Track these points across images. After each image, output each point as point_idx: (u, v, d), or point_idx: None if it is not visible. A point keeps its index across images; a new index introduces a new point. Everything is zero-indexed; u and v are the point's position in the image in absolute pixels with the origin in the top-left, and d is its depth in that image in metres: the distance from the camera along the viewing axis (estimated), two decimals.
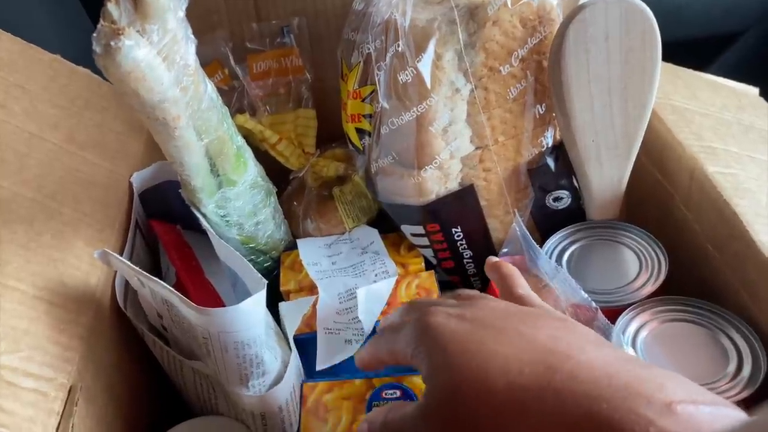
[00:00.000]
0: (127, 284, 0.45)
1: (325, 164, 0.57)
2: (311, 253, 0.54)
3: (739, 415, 0.24)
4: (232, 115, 0.48)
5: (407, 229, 0.53)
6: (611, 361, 0.26)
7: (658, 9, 0.45)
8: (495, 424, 0.26)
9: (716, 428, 0.23)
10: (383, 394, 0.42)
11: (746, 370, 0.39)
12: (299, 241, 0.55)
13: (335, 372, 0.46)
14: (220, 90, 0.45)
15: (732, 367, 0.39)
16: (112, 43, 0.32)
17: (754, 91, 0.63)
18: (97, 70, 0.55)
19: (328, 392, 0.43)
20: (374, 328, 0.47)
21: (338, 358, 0.46)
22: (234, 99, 0.56)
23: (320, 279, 0.51)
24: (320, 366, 0.45)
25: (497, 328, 0.29)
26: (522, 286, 0.37)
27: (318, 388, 0.43)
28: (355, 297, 0.48)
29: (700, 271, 0.48)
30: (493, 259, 0.41)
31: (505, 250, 0.49)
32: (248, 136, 0.52)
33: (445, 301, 0.34)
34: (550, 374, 0.26)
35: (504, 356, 0.27)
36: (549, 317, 0.32)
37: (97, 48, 0.32)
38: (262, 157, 0.53)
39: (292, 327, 0.45)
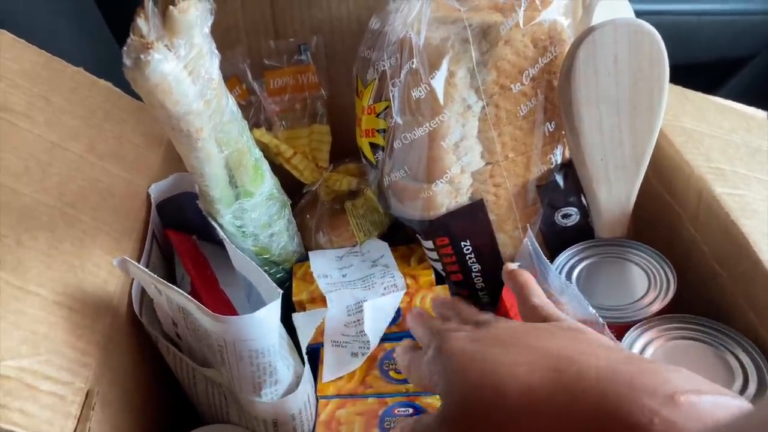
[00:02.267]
0: (143, 292, 0.45)
1: (338, 178, 0.58)
2: (322, 265, 0.54)
3: (741, 404, 0.25)
4: (249, 130, 0.49)
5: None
6: (616, 359, 0.27)
7: (668, 33, 0.46)
8: (509, 426, 0.27)
9: (717, 417, 0.23)
10: (395, 411, 0.43)
11: (751, 387, 0.39)
12: (311, 253, 0.56)
13: None
14: (238, 105, 0.46)
15: (737, 385, 0.40)
16: (142, 57, 0.33)
17: (762, 114, 0.64)
18: (117, 84, 0.56)
19: (341, 408, 0.44)
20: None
21: (344, 370, 0.46)
22: (251, 114, 0.58)
23: (330, 291, 0.52)
24: (326, 378, 0.46)
25: (508, 344, 0.31)
26: (537, 295, 0.38)
27: (332, 403, 0.44)
28: (363, 310, 0.49)
29: (707, 290, 0.49)
30: (510, 266, 0.41)
31: (516, 264, 0.49)
32: (264, 150, 0.53)
33: (462, 327, 0.36)
34: (558, 375, 0.27)
35: (514, 364, 0.29)
36: (560, 331, 0.32)
37: (127, 61, 0.34)
38: (277, 170, 0.54)
39: (305, 338, 0.46)
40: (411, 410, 0.43)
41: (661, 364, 0.27)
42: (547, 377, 0.27)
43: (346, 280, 0.53)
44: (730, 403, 0.25)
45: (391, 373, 0.46)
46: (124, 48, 0.34)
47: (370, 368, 0.46)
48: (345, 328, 0.49)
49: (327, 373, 0.46)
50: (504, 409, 0.27)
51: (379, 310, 0.49)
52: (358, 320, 0.49)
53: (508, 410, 0.27)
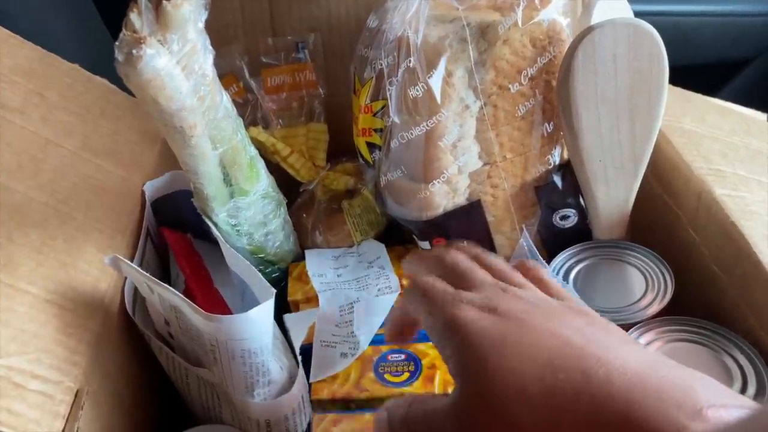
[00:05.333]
0: (135, 291, 0.45)
1: (335, 178, 0.58)
2: (318, 264, 0.54)
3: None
4: (246, 128, 0.48)
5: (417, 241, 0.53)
6: (642, 363, 0.26)
7: (669, 35, 0.46)
8: (531, 428, 0.26)
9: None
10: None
11: (750, 390, 0.39)
12: (307, 252, 0.55)
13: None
14: (234, 102, 0.45)
15: (736, 387, 0.39)
16: (134, 52, 0.33)
17: (762, 116, 0.64)
18: (113, 80, 0.56)
19: (336, 424, 0.43)
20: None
21: (332, 371, 0.46)
22: (248, 112, 0.57)
23: (323, 291, 0.51)
24: (313, 378, 0.45)
25: (528, 328, 0.29)
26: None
27: (327, 419, 0.43)
28: (354, 310, 0.48)
29: (707, 292, 0.48)
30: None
31: (512, 264, 0.49)
32: (260, 149, 0.53)
33: (461, 293, 0.32)
34: (585, 379, 0.26)
35: (538, 360, 0.27)
36: (573, 312, 0.31)
37: (119, 56, 0.33)
38: (274, 169, 0.53)
39: (298, 338, 0.45)
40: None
41: (685, 370, 0.26)
42: (572, 378, 0.26)
43: (341, 280, 0.53)
44: None
45: (387, 376, 0.45)
46: (116, 43, 0.33)
47: (365, 371, 0.45)
48: (336, 329, 0.48)
49: (314, 373, 0.46)
50: (527, 410, 0.26)
51: (370, 311, 0.48)
52: (350, 321, 0.48)
53: (532, 412, 0.26)
